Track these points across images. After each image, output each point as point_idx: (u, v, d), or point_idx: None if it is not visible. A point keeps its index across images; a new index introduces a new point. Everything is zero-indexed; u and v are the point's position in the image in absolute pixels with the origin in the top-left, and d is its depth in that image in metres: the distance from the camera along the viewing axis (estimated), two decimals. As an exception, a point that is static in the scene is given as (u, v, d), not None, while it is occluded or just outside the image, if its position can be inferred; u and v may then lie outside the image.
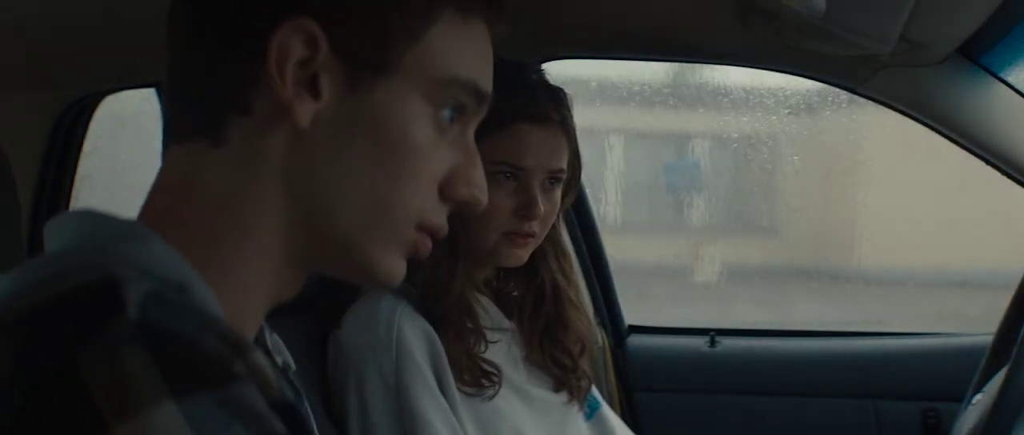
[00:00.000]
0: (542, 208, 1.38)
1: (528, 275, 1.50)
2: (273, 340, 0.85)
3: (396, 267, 0.71)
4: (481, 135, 1.36)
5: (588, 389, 1.53)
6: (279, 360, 0.83)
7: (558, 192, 1.43)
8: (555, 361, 1.48)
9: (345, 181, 0.67)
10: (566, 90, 1.47)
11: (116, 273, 0.56)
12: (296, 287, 0.72)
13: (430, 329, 1.35)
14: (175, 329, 0.54)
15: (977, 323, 2.38)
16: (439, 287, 1.37)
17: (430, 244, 0.72)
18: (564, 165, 1.42)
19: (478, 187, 0.72)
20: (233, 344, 0.56)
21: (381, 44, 0.67)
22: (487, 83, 0.73)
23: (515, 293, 1.50)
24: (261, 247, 0.68)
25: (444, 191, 0.71)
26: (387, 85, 0.67)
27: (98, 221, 0.66)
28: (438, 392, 1.33)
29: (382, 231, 0.69)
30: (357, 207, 0.68)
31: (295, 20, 0.64)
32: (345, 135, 0.66)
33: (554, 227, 1.49)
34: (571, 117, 1.44)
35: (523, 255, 1.41)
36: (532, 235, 1.39)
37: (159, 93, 1.87)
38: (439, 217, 0.72)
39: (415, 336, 1.33)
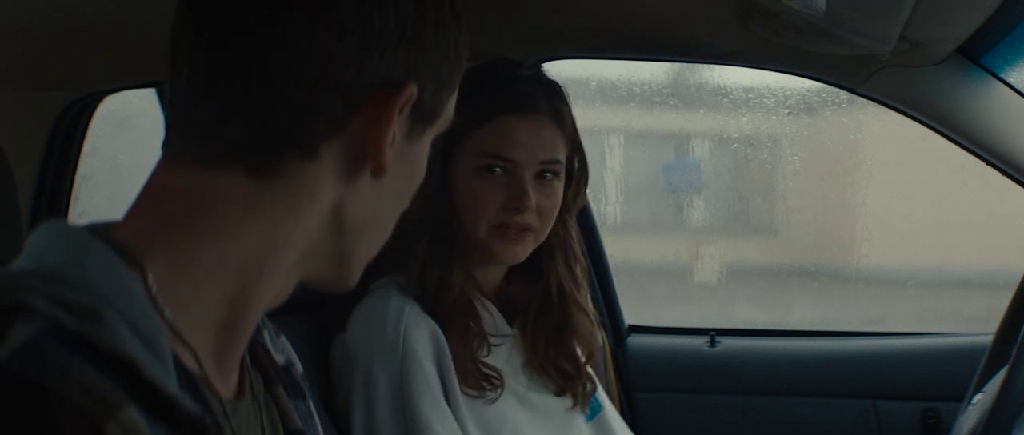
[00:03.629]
0: (533, 199, 1.37)
1: (534, 277, 1.48)
2: (281, 343, 0.85)
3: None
4: (469, 130, 1.38)
5: (593, 392, 1.52)
6: (280, 359, 0.83)
7: (556, 185, 1.41)
8: (558, 368, 1.47)
9: (381, 215, 0.73)
10: (566, 90, 1.47)
11: (20, 302, 0.57)
12: (288, 295, 0.73)
13: (437, 329, 1.35)
14: (36, 378, 0.54)
15: (977, 323, 2.38)
16: (436, 283, 1.36)
17: None
18: (558, 156, 1.40)
19: None
20: (102, 398, 0.54)
21: (439, 98, 0.72)
22: None
23: (519, 296, 1.48)
24: (280, 270, 0.69)
25: None
26: (429, 132, 0.73)
27: (54, 236, 0.65)
28: (442, 397, 1.33)
29: (376, 249, 0.75)
30: (378, 234, 0.74)
31: (409, 86, 0.67)
32: (391, 176, 0.70)
33: (565, 229, 1.47)
34: (567, 110, 1.43)
35: (519, 251, 1.39)
36: (527, 229, 1.38)
37: (159, 93, 1.87)
38: None
39: (422, 338, 1.33)
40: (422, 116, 0.71)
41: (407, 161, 0.72)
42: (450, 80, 0.72)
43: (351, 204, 0.70)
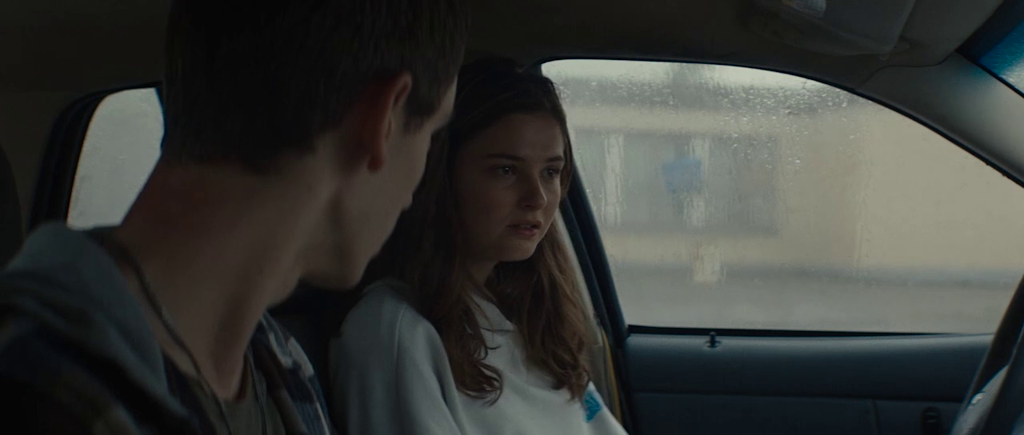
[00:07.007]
0: (545, 197, 1.38)
1: (526, 272, 1.49)
2: (289, 346, 0.85)
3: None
4: (475, 130, 1.38)
5: (586, 385, 1.53)
6: (287, 361, 0.83)
7: (557, 182, 1.43)
8: (556, 358, 1.48)
9: (380, 209, 0.72)
10: (565, 90, 1.48)
11: (10, 303, 0.57)
12: (290, 291, 0.73)
13: (432, 330, 1.35)
14: (23, 378, 0.54)
15: (977, 323, 2.38)
16: (435, 286, 1.36)
17: None
18: (560, 153, 1.42)
19: None
20: (90, 399, 0.54)
21: (436, 91, 0.72)
22: None
23: (513, 292, 1.49)
24: (280, 267, 0.69)
25: None
26: (426, 125, 0.73)
27: (51, 238, 0.65)
28: (439, 397, 1.33)
29: (378, 245, 0.75)
30: (379, 229, 0.74)
31: (403, 76, 0.68)
32: (389, 170, 0.70)
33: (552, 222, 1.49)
34: (561, 105, 1.45)
35: (529, 247, 1.41)
36: (537, 225, 1.39)
37: (159, 93, 1.87)
38: None
39: (417, 339, 1.33)
40: (418, 109, 0.71)
41: (405, 154, 0.72)
42: (446, 74, 0.72)
43: (349, 198, 0.70)
